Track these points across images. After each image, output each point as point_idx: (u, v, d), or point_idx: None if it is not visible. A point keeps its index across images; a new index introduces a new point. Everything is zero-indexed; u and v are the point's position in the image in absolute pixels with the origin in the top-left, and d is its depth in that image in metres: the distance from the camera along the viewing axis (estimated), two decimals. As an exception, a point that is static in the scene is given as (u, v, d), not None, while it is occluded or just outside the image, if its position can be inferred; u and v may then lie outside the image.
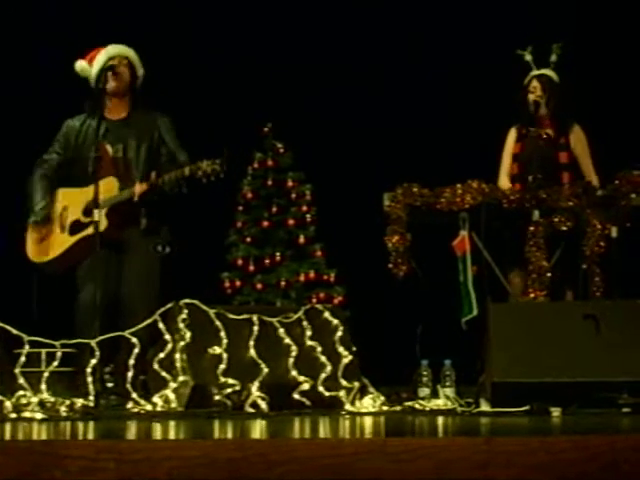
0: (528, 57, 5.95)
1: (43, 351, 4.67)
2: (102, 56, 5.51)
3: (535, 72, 5.92)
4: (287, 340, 4.61)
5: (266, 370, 4.46)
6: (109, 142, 5.39)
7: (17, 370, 4.49)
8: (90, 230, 5.07)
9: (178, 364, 4.45)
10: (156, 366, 4.51)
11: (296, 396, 4.49)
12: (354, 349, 4.75)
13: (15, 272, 5.75)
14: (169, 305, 4.65)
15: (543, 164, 5.65)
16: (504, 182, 5.87)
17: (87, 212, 5.25)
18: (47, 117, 5.86)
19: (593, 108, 6.30)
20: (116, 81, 5.43)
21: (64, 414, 4.27)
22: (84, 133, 5.48)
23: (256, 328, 4.58)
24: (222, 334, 4.52)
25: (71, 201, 5.43)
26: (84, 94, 5.58)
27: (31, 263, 5.48)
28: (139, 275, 5.29)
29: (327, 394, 4.55)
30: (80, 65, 5.57)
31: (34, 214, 5.47)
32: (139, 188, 5.25)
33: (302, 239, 9.84)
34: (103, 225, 5.16)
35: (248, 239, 9.90)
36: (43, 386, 4.50)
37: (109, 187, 5.27)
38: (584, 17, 8.22)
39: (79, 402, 4.47)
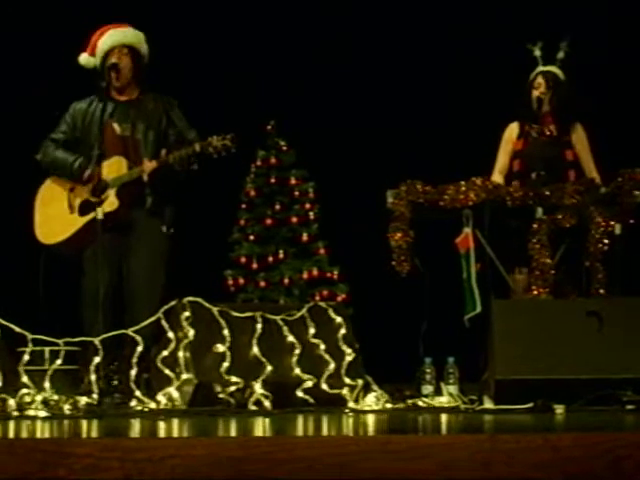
0: (537, 52, 5.94)
1: (46, 349, 4.67)
2: (103, 46, 5.43)
3: (541, 68, 5.91)
4: (290, 338, 4.61)
5: (269, 368, 4.46)
6: (116, 121, 5.37)
7: (20, 368, 4.50)
8: (102, 210, 5.05)
9: (181, 362, 4.45)
10: (159, 364, 4.51)
11: (299, 394, 4.49)
12: (357, 347, 4.75)
13: (22, 255, 5.72)
14: (172, 303, 4.65)
15: (548, 162, 5.64)
16: (496, 178, 5.86)
17: (95, 192, 5.15)
18: (51, 100, 5.84)
19: (598, 106, 6.29)
20: (118, 80, 5.40)
21: (68, 412, 4.27)
22: (91, 114, 5.43)
23: (259, 326, 4.58)
24: (225, 332, 4.51)
25: (76, 186, 5.41)
26: (89, 78, 5.54)
27: (39, 244, 5.44)
28: (146, 261, 5.27)
29: (330, 392, 4.55)
30: (84, 58, 5.53)
31: (76, 168, 5.34)
32: (149, 166, 5.22)
33: (305, 237, 9.86)
34: (114, 205, 5.17)
35: (251, 237, 9.92)
36: (47, 384, 4.50)
37: (117, 166, 5.25)
38: (591, 15, 8.22)
39: (83, 400, 4.47)
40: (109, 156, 5.23)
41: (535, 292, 5.32)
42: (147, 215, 5.32)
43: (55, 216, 5.40)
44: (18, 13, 8.43)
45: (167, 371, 4.48)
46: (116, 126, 5.36)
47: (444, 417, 3.96)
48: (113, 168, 5.23)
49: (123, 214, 5.24)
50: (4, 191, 7.41)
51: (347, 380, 4.60)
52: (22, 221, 5.53)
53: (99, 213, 4.94)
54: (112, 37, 5.47)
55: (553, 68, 5.91)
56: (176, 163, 5.20)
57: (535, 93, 5.84)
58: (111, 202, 5.19)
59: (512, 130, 5.95)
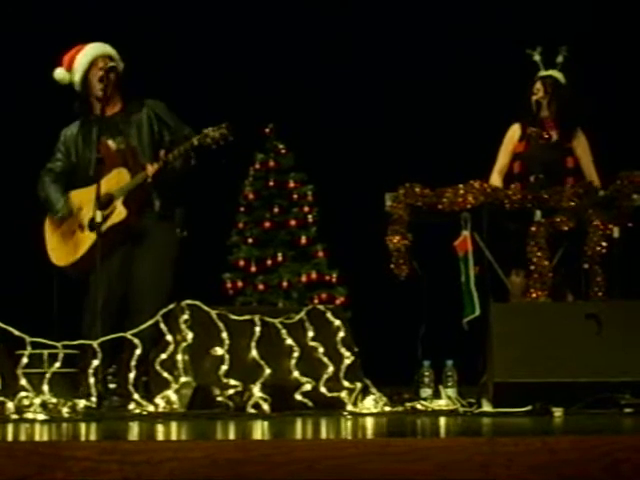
0: (537, 57, 5.94)
1: (45, 352, 4.67)
2: (83, 59, 5.41)
3: (542, 73, 5.91)
4: (289, 341, 4.61)
5: (268, 371, 4.46)
6: (110, 137, 5.37)
7: (19, 371, 4.50)
8: (111, 221, 5.08)
9: (180, 365, 4.45)
10: (158, 367, 4.51)
11: (298, 397, 4.49)
12: (356, 350, 4.75)
13: (34, 276, 5.71)
14: (171, 306, 4.66)
15: (548, 167, 5.65)
16: (495, 179, 5.87)
17: (102, 206, 5.08)
18: (42, 124, 5.82)
19: (598, 109, 6.30)
20: (106, 88, 5.37)
21: (66, 415, 4.27)
22: (82, 137, 5.44)
23: (258, 329, 4.58)
24: (224, 335, 4.51)
25: (84, 201, 5.36)
26: (73, 97, 5.53)
27: (52, 266, 5.40)
28: (153, 266, 5.26)
29: (329, 395, 4.55)
30: (60, 73, 5.48)
31: (59, 209, 5.37)
32: (151, 169, 5.22)
33: (304, 240, 9.85)
34: (123, 214, 5.17)
35: (250, 240, 9.91)
36: (45, 387, 4.50)
37: (121, 177, 5.25)
38: (590, 18, 8.23)
39: (81, 403, 4.47)
40: (109, 171, 5.22)
41: (534, 295, 5.32)
42: (157, 220, 5.32)
43: (66, 238, 5.39)
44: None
45: (166, 374, 4.48)
46: (110, 143, 5.35)
47: (443, 420, 3.96)
48: (114, 180, 5.22)
49: (133, 222, 5.24)
50: (17, 206, 7.41)
51: (346, 383, 4.60)
52: (32, 236, 5.53)
53: (114, 220, 4.96)
54: (94, 49, 5.44)
55: (554, 72, 5.91)
56: (176, 160, 5.21)
57: (534, 98, 5.85)
58: (119, 212, 5.19)
59: (514, 131, 5.95)
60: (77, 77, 5.43)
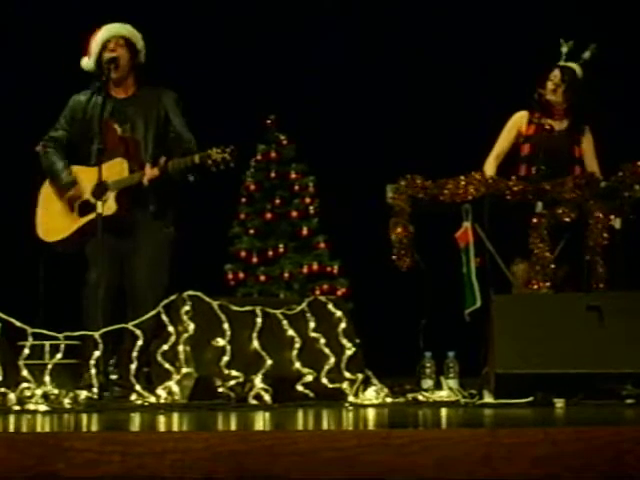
0: (564, 49, 5.92)
1: (47, 343, 4.67)
2: (96, 43, 5.40)
3: (561, 63, 5.89)
4: (290, 332, 4.61)
5: (269, 362, 4.46)
6: (116, 121, 5.35)
7: (21, 362, 4.50)
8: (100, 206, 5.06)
9: (181, 356, 4.46)
10: (159, 358, 4.52)
11: (299, 388, 4.50)
12: (357, 341, 4.75)
13: (22, 251, 5.73)
14: (173, 297, 4.66)
15: (556, 154, 5.65)
16: (490, 163, 5.85)
17: (95, 193, 5.13)
18: (52, 94, 5.80)
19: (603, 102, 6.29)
20: (117, 71, 5.36)
21: (68, 406, 4.27)
22: (91, 110, 5.41)
23: (259, 320, 4.58)
24: (225, 326, 4.52)
25: (79, 180, 5.39)
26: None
27: (40, 242, 5.43)
28: (149, 262, 5.26)
29: (330, 386, 4.55)
30: (85, 63, 5.47)
31: (64, 178, 5.38)
32: (150, 173, 5.21)
33: (305, 231, 9.87)
34: (113, 209, 5.16)
35: (251, 231, 9.93)
36: (47, 378, 4.50)
37: (119, 169, 5.24)
38: (590, 15, 8.22)
39: (83, 394, 4.47)
40: (111, 157, 5.21)
41: (535, 286, 5.32)
42: (151, 218, 5.32)
43: (56, 214, 5.40)
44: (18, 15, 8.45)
45: (167, 365, 4.48)
46: (117, 127, 5.34)
47: (444, 411, 3.96)
48: (115, 170, 5.22)
49: (122, 218, 5.23)
50: (6, 188, 7.42)
51: (347, 374, 4.61)
52: (24, 218, 5.53)
53: (100, 208, 4.94)
54: (108, 30, 5.44)
55: (573, 65, 5.90)
56: (174, 172, 5.19)
57: (549, 85, 5.84)
58: (109, 206, 5.17)
59: (522, 117, 5.91)
60: (92, 62, 5.43)
